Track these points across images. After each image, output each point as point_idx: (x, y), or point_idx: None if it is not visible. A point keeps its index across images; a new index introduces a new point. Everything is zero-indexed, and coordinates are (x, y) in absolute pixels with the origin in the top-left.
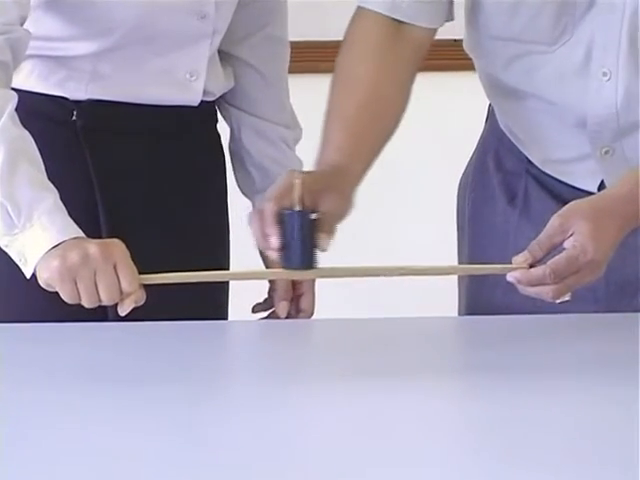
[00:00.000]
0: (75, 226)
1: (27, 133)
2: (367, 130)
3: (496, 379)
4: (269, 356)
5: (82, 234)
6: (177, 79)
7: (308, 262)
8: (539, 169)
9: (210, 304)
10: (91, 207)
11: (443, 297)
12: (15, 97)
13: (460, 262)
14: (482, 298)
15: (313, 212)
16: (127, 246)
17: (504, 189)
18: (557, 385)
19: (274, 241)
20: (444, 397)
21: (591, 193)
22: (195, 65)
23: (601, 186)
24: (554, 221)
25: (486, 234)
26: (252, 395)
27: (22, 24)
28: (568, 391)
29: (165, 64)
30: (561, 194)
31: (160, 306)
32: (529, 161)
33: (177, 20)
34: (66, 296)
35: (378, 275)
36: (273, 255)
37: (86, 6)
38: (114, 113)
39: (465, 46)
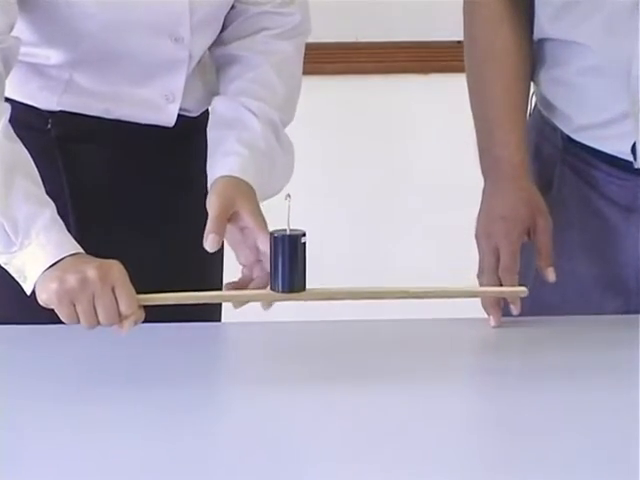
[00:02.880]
0: (72, 241)
1: (21, 146)
2: (523, 106)
3: (499, 382)
4: (264, 358)
5: (80, 249)
6: (152, 100)
7: (298, 285)
8: (574, 155)
9: (203, 305)
10: (62, 218)
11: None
12: (8, 109)
13: None
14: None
15: (303, 235)
16: (98, 257)
17: (539, 178)
18: (558, 386)
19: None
20: (445, 400)
21: (623, 160)
22: (171, 89)
23: (633, 148)
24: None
25: None
26: (248, 397)
27: (10, 32)
28: (569, 392)
29: (140, 86)
30: (597, 181)
31: (153, 308)
32: (565, 148)
33: (149, 40)
34: (64, 317)
35: (374, 298)
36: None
37: (49, 12)
38: (89, 124)
39: None
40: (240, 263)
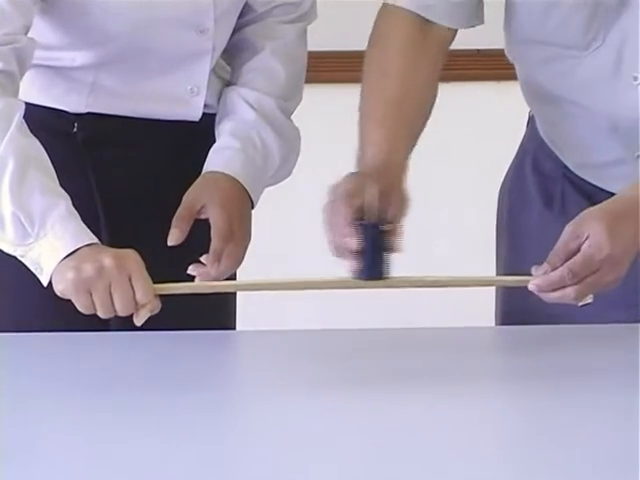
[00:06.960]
0: (89, 232)
1: (36, 140)
2: (401, 125)
3: (506, 388)
4: (279, 366)
5: (96, 240)
6: (178, 95)
7: (381, 272)
8: (576, 175)
9: (218, 313)
10: (93, 221)
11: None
12: (22, 106)
13: (498, 265)
14: (518, 305)
15: (385, 222)
16: None
17: (540, 192)
18: (562, 392)
19: (351, 247)
20: (456, 405)
21: None
22: (196, 81)
23: None
24: (568, 228)
25: (523, 236)
26: (263, 405)
27: (26, 33)
28: (571, 399)
29: (166, 80)
30: (599, 198)
31: (167, 314)
32: (566, 166)
33: (175, 34)
34: (81, 307)
35: (439, 286)
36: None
37: (78, 15)
38: (115, 126)
39: (506, 51)
40: None
